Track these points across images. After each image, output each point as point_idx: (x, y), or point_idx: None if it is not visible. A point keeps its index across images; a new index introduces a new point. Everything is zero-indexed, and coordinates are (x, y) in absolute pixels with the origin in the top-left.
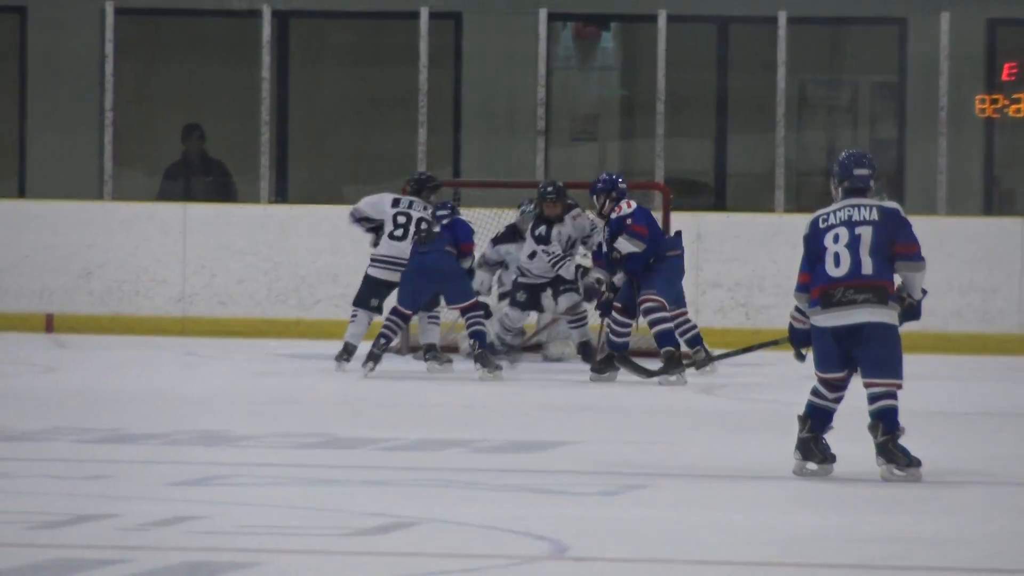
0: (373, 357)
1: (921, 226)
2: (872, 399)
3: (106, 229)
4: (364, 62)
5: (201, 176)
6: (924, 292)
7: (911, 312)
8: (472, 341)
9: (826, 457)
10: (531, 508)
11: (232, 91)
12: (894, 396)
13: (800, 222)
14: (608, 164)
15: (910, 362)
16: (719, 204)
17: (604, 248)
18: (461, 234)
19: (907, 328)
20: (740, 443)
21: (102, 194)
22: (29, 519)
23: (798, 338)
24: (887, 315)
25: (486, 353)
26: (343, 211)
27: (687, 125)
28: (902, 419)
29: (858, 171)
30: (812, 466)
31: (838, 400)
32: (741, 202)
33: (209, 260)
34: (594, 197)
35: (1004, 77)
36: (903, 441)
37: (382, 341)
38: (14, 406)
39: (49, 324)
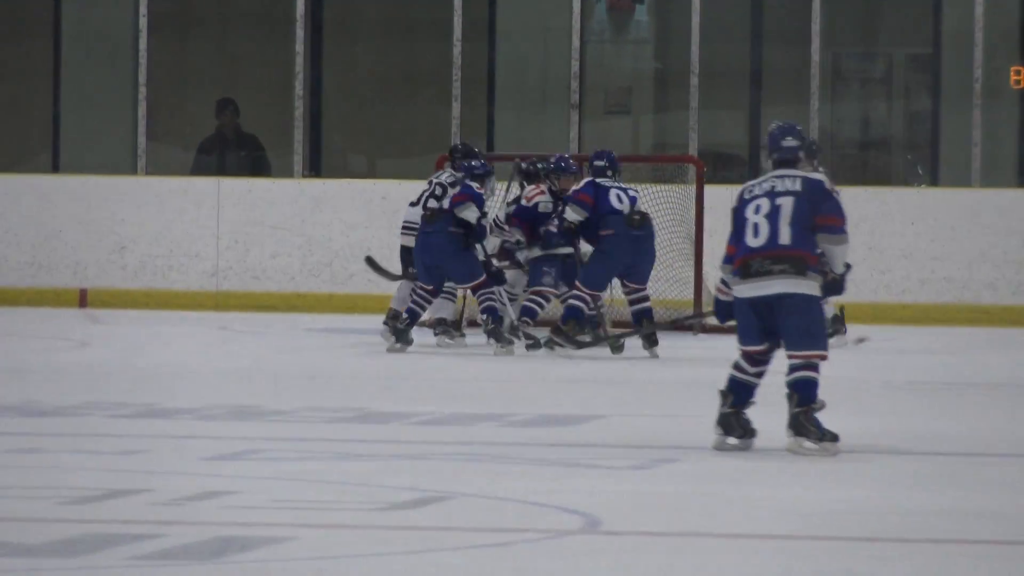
0: (397, 333)
1: (955, 198)
2: (791, 370)
3: (139, 204)
4: (398, 36)
5: (235, 151)
6: (848, 267)
7: (833, 286)
8: (485, 316)
9: (746, 432)
10: (563, 482)
11: (266, 65)
12: (814, 368)
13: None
14: (642, 137)
15: (944, 334)
16: (753, 177)
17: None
18: (458, 192)
19: (944, 300)
20: (772, 416)
21: (136, 169)
22: (62, 494)
23: (722, 310)
24: (805, 286)
25: (498, 329)
26: (376, 185)
27: (721, 98)
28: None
29: (786, 142)
30: (732, 440)
31: (760, 375)
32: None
33: (242, 235)
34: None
35: None
36: (821, 416)
37: (404, 317)
38: (48, 381)
39: (83, 299)
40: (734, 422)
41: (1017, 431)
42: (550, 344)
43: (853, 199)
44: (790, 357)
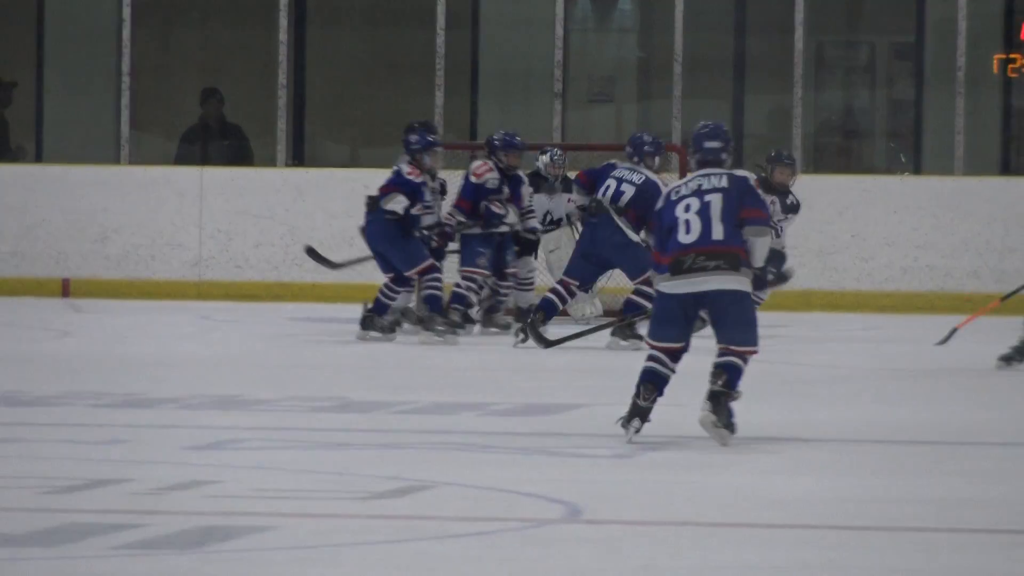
0: (362, 321)
1: (938, 186)
2: (722, 354)
3: (122, 193)
4: (381, 25)
5: (218, 140)
6: (776, 274)
7: (757, 282)
8: (424, 304)
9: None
10: (545, 471)
11: (249, 54)
12: (745, 360)
13: (817, 183)
14: (625, 126)
15: (927, 323)
16: (736, 165)
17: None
18: (386, 182)
19: (927, 288)
20: (754, 406)
21: (119, 158)
22: (44, 484)
23: None
24: (739, 282)
25: (434, 317)
26: (359, 174)
27: (704, 86)
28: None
29: (708, 144)
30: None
31: (674, 370)
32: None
33: (225, 224)
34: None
35: (1022, 36)
36: (734, 406)
37: (368, 305)
38: (30, 371)
39: (65, 289)
40: (647, 415)
41: (999, 420)
42: (522, 332)
43: (836, 187)
44: (723, 350)
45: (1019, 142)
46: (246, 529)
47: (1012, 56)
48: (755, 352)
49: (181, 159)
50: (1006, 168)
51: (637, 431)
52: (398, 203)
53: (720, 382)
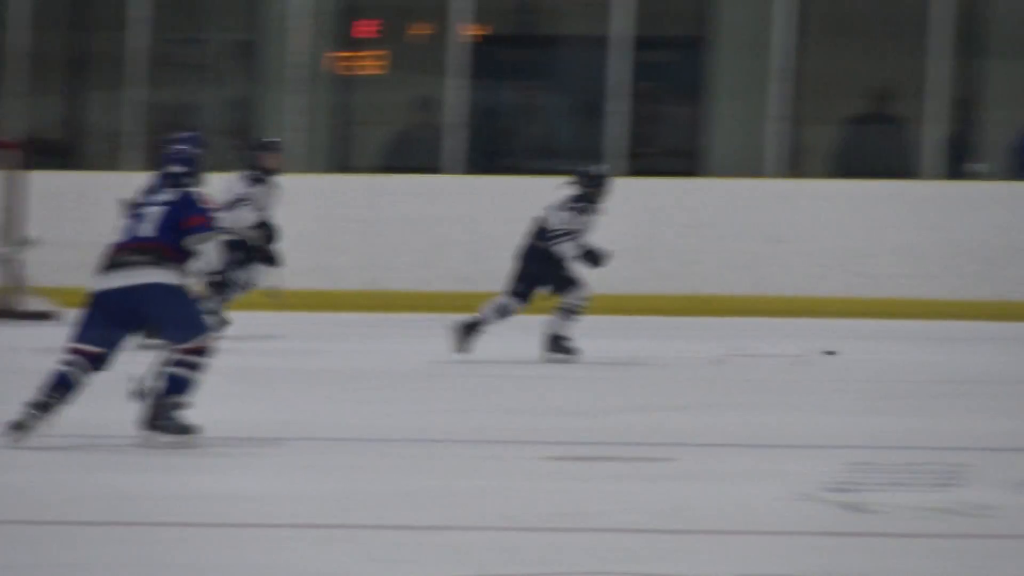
0: None
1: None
2: (168, 363)
3: None
4: None
5: None
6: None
7: (215, 288)
8: None
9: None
10: None
11: None
12: (195, 357)
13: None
14: None
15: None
16: (75, 164)
17: None
18: None
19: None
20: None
21: None
22: None
23: None
24: (167, 276)
25: None
26: None
27: (44, 83)
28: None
29: (169, 168)
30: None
31: (92, 376)
32: (98, 161)
33: None
34: None
35: (356, 35)
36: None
37: None
38: None
39: None
40: (47, 419)
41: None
42: None
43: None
44: (172, 351)
45: (352, 139)
46: None
47: (346, 54)
48: (203, 345)
49: None
50: (341, 165)
51: (37, 436)
52: None
53: (159, 396)
